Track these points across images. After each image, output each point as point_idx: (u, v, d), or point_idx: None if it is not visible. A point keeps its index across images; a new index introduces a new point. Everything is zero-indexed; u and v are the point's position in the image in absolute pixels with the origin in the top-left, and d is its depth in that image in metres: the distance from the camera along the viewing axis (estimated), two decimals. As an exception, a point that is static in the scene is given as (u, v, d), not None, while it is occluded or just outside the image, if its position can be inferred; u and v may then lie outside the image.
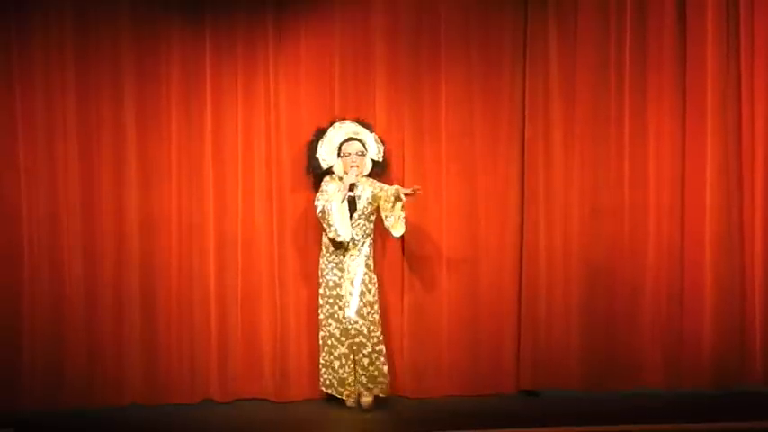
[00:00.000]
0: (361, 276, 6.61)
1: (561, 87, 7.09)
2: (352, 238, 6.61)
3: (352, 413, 6.65)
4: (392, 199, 6.53)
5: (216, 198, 6.84)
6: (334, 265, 6.67)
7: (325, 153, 6.76)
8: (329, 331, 6.65)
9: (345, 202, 6.61)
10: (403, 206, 6.57)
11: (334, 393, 6.71)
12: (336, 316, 6.62)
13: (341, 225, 6.57)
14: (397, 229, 6.61)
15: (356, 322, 6.52)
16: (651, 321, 7.12)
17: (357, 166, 6.68)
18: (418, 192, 6.52)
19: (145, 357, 6.83)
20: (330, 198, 6.60)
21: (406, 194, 6.49)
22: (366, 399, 6.65)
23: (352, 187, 6.62)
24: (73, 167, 6.77)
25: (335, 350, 6.63)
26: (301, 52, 6.97)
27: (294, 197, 6.97)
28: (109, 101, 6.79)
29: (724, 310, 7.09)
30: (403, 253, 7.04)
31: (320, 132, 6.81)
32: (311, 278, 6.87)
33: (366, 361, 6.58)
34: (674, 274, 7.12)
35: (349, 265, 6.62)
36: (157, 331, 6.84)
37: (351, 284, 6.59)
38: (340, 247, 6.63)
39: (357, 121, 6.84)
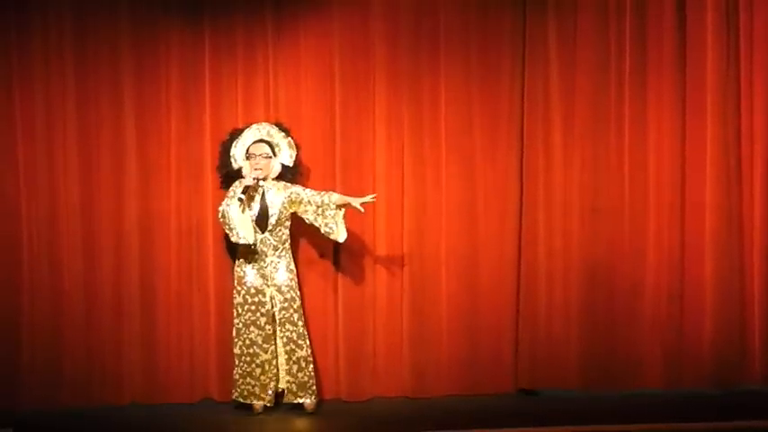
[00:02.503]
0: (288, 282, 6.56)
1: (560, 89, 7.08)
2: (272, 244, 6.52)
3: (350, 411, 6.69)
4: (334, 207, 6.45)
5: (215, 197, 6.81)
6: (255, 271, 6.53)
7: (238, 153, 6.66)
8: (250, 339, 6.53)
9: (251, 206, 6.49)
10: (344, 213, 6.52)
11: (253, 401, 6.55)
12: (259, 323, 6.53)
13: (242, 228, 6.43)
14: (341, 235, 6.52)
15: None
16: (651, 320, 7.11)
17: (260, 169, 6.53)
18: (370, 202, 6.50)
19: (144, 356, 6.84)
20: (229, 201, 6.49)
21: (362, 204, 6.42)
22: (308, 402, 6.60)
23: (246, 189, 6.44)
24: (73, 167, 6.79)
25: (257, 358, 6.50)
26: (301, 52, 6.98)
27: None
28: (108, 101, 6.80)
29: (723, 309, 7.09)
30: (402, 253, 7.03)
31: (236, 132, 6.72)
32: (309, 277, 6.88)
33: (296, 368, 6.56)
34: (674, 273, 7.11)
35: (271, 273, 6.54)
36: (157, 330, 6.86)
37: (278, 292, 6.53)
38: (258, 253, 6.51)
39: (275, 124, 6.75)
